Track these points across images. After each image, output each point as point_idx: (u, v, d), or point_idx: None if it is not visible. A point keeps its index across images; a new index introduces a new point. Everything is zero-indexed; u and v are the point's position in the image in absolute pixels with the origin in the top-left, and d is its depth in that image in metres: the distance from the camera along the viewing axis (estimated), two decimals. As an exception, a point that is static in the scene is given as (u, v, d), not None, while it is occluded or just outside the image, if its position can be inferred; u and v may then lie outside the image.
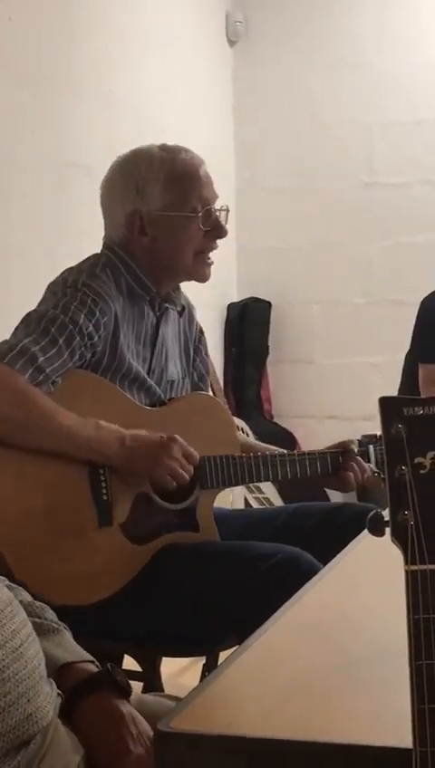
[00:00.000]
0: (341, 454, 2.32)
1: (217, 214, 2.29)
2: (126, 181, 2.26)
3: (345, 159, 5.09)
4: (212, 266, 2.34)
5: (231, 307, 5.19)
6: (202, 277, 2.33)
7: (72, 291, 2.15)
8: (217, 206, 2.30)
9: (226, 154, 5.13)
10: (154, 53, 4.38)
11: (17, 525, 2.03)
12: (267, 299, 5.23)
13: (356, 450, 2.33)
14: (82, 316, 2.11)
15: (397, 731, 1.00)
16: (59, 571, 2.06)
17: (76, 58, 3.83)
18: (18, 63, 3.45)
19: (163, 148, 2.29)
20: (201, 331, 2.52)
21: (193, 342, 2.47)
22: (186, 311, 2.43)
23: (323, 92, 5.13)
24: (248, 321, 5.15)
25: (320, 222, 5.14)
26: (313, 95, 5.14)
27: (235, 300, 5.22)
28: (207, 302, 4.70)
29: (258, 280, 5.24)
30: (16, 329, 2.14)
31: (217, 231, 2.29)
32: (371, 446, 2.34)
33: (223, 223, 2.30)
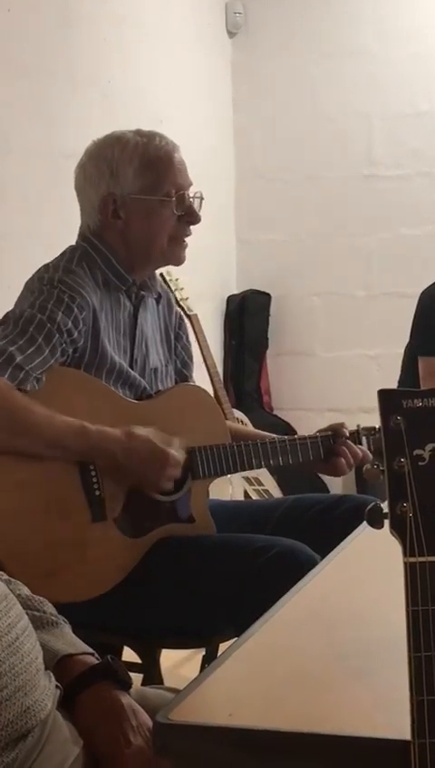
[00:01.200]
0: (332, 437, 2.32)
1: (191, 200, 2.28)
2: (100, 164, 2.25)
3: (345, 151, 5.08)
4: (187, 249, 2.32)
5: (231, 299, 5.18)
6: (177, 260, 2.32)
7: (49, 288, 2.14)
8: (191, 192, 2.28)
9: (225, 145, 5.12)
10: (153, 45, 4.37)
11: (9, 523, 2.02)
12: (267, 291, 5.22)
13: (347, 433, 2.33)
14: (60, 314, 2.09)
15: (396, 722, 1.00)
16: (54, 569, 2.05)
17: (74, 49, 3.82)
18: (15, 54, 3.44)
19: (138, 132, 2.29)
20: (181, 318, 2.50)
21: (174, 329, 2.45)
22: (163, 298, 2.41)
23: (323, 84, 5.11)
24: (248, 314, 5.15)
25: (320, 214, 5.13)
26: (312, 86, 5.13)
27: (234, 292, 5.21)
28: (206, 293, 4.69)
29: (258, 272, 5.23)
30: None
31: (191, 217, 2.27)
32: (364, 437, 2.34)
33: (197, 209, 2.29)
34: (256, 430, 2.59)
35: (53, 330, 2.08)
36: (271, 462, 2.27)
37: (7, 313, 2.14)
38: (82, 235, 2.31)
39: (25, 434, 2.02)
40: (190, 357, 2.51)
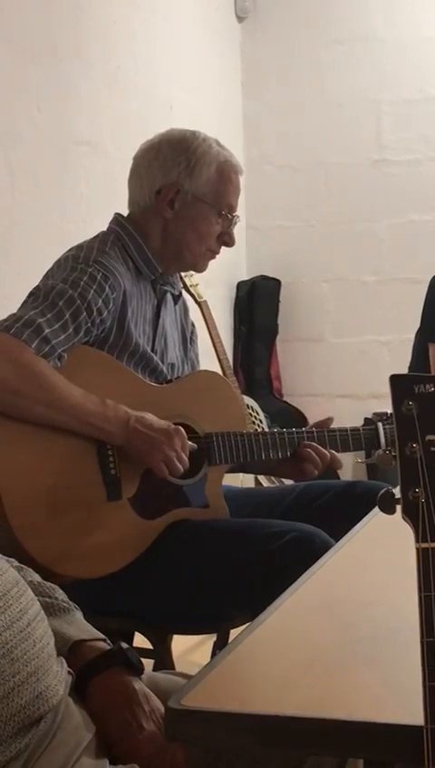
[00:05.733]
0: (350, 430, 2.33)
1: (234, 223, 2.34)
2: (179, 152, 2.28)
3: (354, 136, 5.06)
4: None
5: (240, 285, 5.18)
6: (202, 269, 2.39)
7: (83, 266, 2.16)
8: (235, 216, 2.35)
9: (234, 131, 5.10)
10: (162, 30, 4.36)
11: (26, 498, 2.03)
12: (276, 277, 5.22)
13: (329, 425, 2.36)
14: (92, 291, 2.12)
15: (408, 708, 1.00)
16: (68, 544, 2.06)
17: (83, 34, 3.81)
18: (25, 39, 3.43)
19: (217, 142, 2.33)
20: (193, 326, 2.54)
21: (189, 334, 2.49)
22: (181, 299, 2.45)
23: (332, 69, 5.10)
24: (258, 300, 5.14)
25: (329, 199, 5.11)
26: (321, 72, 5.11)
27: (244, 278, 5.21)
28: (216, 280, 4.69)
29: (267, 258, 5.23)
30: (24, 302, 2.14)
31: (228, 237, 2.34)
32: (379, 424, 2.34)
33: (233, 232, 2.34)
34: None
35: (82, 307, 2.10)
36: (288, 453, 2.28)
37: (38, 285, 2.17)
38: (115, 220, 2.33)
39: (53, 405, 2.03)
40: (198, 363, 2.54)
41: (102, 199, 3.71)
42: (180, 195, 2.27)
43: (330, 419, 2.39)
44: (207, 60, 4.88)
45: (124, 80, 4.06)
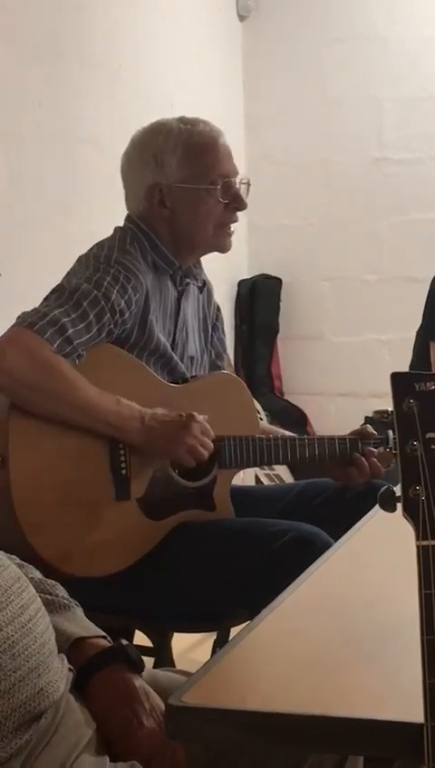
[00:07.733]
0: (361, 441, 2.31)
1: (238, 186, 2.29)
2: (144, 153, 2.26)
3: (356, 135, 5.06)
4: (232, 237, 2.33)
5: (241, 284, 5.18)
6: (223, 248, 2.34)
7: (106, 267, 2.15)
8: (237, 179, 2.29)
9: (235, 129, 5.10)
10: (164, 28, 4.36)
11: (36, 493, 2.04)
12: (278, 276, 5.22)
13: (375, 434, 2.32)
14: (115, 292, 2.12)
15: (408, 705, 1.01)
16: (73, 542, 2.07)
17: (86, 32, 3.81)
18: (27, 37, 3.43)
19: (181, 120, 2.29)
20: (218, 309, 2.51)
21: (211, 320, 2.47)
22: (205, 287, 2.43)
23: (334, 67, 5.09)
24: (259, 298, 5.14)
25: (331, 198, 5.11)
26: (323, 70, 5.11)
27: (245, 276, 5.21)
28: (217, 278, 4.67)
29: (269, 257, 5.23)
30: (47, 298, 2.14)
31: (237, 203, 2.28)
32: (390, 432, 2.32)
33: (243, 195, 2.29)
34: (274, 427, 2.58)
35: (106, 308, 2.10)
36: (298, 458, 2.26)
37: (62, 283, 2.16)
38: (129, 218, 2.32)
39: (70, 403, 2.04)
40: (224, 349, 2.53)
41: (104, 198, 3.71)
42: (164, 191, 2.25)
43: (369, 430, 2.36)
44: (209, 58, 4.88)
45: (126, 78, 4.06)
